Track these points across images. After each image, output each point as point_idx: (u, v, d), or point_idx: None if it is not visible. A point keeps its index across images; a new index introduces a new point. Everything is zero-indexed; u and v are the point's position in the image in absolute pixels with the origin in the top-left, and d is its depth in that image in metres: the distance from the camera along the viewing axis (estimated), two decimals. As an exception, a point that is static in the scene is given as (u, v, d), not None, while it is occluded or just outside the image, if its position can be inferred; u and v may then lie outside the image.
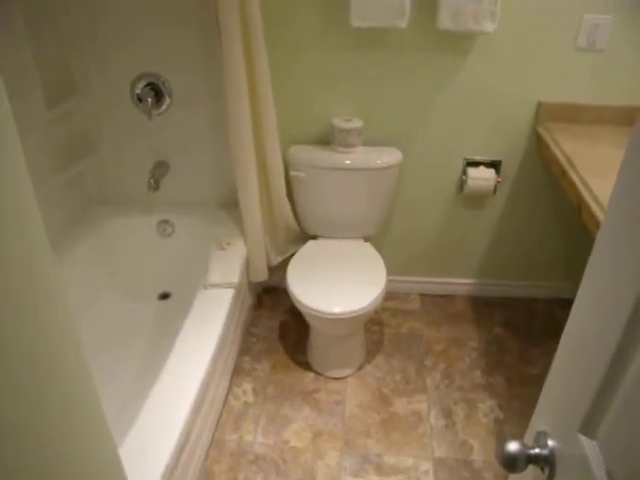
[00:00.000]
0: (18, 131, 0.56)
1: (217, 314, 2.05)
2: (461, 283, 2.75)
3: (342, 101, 2.32)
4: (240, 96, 2.05)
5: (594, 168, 1.86)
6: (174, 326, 2.07)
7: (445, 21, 2.02)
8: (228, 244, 2.34)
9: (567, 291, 2.71)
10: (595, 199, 1.68)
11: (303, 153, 2.33)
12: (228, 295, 2.12)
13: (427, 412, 2.19)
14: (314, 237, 2.49)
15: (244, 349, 2.48)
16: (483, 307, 2.71)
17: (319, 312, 2.04)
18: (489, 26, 2.03)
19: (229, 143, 2.17)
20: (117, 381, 2.21)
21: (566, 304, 2.74)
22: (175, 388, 1.77)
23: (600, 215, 1.62)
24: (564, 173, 1.95)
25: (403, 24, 2.03)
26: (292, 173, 2.33)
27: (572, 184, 1.85)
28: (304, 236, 2.54)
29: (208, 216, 2.57)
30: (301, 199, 2.41)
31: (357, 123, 2.26)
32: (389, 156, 2.30)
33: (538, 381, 2.27)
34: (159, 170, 2.49)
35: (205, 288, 2.14)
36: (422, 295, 2.78)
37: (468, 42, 2.15)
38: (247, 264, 2.40)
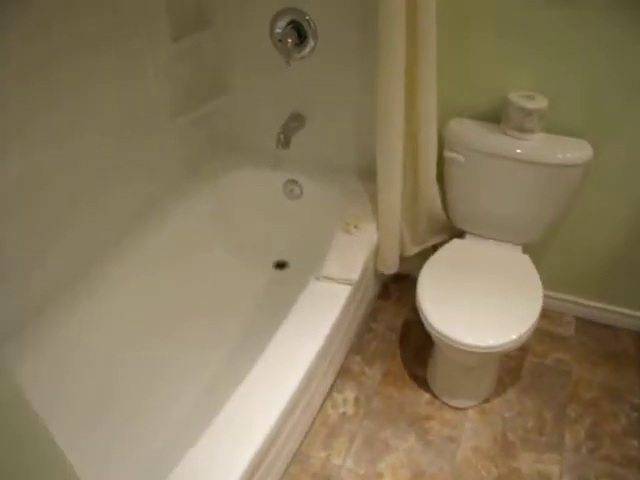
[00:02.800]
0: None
1: (326, 314, 1.72)
2: (633, 316, 2.19)
3: (522, 71, 1.79)
4: (395, 53, 1.62)
5: None
6: (285, 304, 1.79)
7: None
8: (356, 227, 1.97)
9: None
10: None
11: (464, 131, 1.86)
12: (344, 293, 1.78)
13: (558, 479, 1.77)
14: (461, 233, 2.06)
15: (357, 346, 2.15)
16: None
17: (449, 339, 1.64)
18: None
19: (375, 104, 1.76)
20: (211, 352, 2.01)
21: None
22: (264, 393, 1.50)
23: None
24: None
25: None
26: (447, 154, 1.88)
27: None
28: (450, 228, 2.11)
29: (342, 184, 2.20)
30: (454, 186, 1.96)
31: (541, 102, 1.74)
32: (575, 151, 1.77)
33: None
34: (293, 124, 2.14)
35: (317, 279, 1.81)
36: (579, 319, 2.26)
37: None
38: (376, 251, 2.03)
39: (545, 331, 2.20)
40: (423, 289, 1.78)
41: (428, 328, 1.70)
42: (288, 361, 1.59)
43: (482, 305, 1.73)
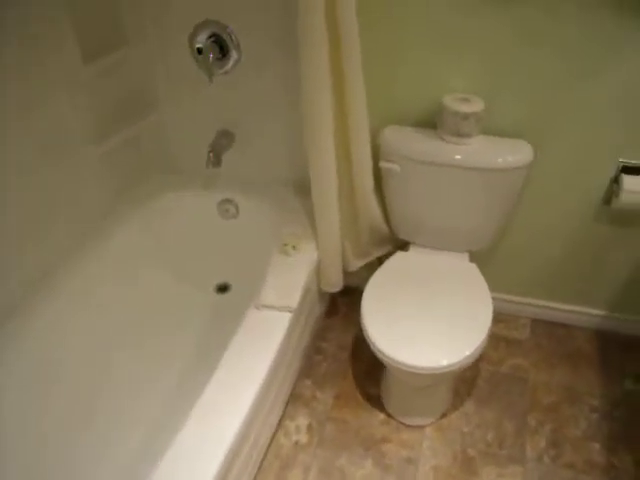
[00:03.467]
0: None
1: (268, 344, 1.61)
2: (587, 313, 2.14)
3: (456, 73, 1.72)
4: (318, 65, 1.52)
5: None
6: (228, 330, 1.69)
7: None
8: (294, 248, 1.86)
9: None
10: None
11: (399, 139, 1.76)
12: (284, 321, 1.67)
13: (523, 493, 1.71)
14: (405, 244, 1.97)
15: (306, 369, 2.05)
16: (613, 348, 2.11)
17: (399, 363, 1.56)
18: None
19: (301, 118, 1.66)
20: (151, 389, 1.88)
21: None
22: (207, 435, 1.38)
23: None
24: None
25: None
26: (382, 164, 1.79)
27: None
28: (394, 239, 2.02)
29: (279, 201, 2.09)
30: (393, 197, 1.87)
31: (477, 105, 1.66)
32: (516, 152, 1.70)
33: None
34: (222, 141, 2.02)
35: (257, 308, 1.70)
36: (534, 321, 2.21)
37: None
38: (318, 270, 1.93)
39: (500, 336, 2.14)
40: (367, 311, 1.69)
41: (376, 353, 1.61)
42: (230, 399, 1.47)
43: (431, 322, 1.65)
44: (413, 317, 1.66)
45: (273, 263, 1.82)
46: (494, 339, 2.11)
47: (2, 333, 1.62)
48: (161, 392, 1.89)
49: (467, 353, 1.56)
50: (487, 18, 1.58)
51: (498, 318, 2.18)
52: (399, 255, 1.90)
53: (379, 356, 1.61)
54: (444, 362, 1.55)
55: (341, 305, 2.27)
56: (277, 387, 1.75)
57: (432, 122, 1.77)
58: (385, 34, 1.69)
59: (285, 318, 1.68)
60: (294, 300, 1.70)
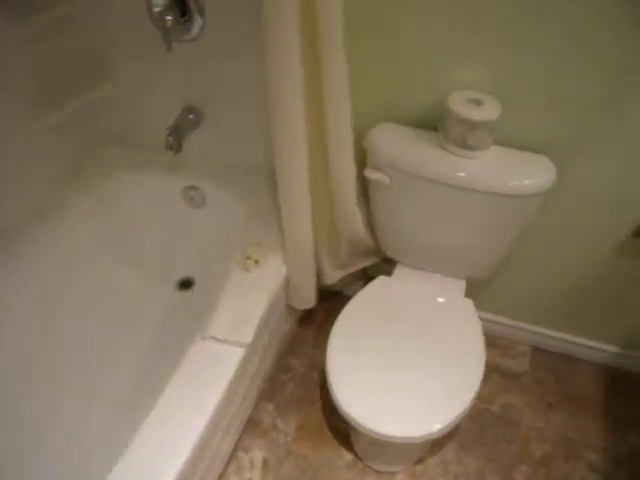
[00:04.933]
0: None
1: (214, 382, 1.35)
2: (597, 348, 1.85)
3: (469, 62, 1.34)
4: (288, 44, 1.17)
5: None
6: (190, 328, 1.46)
7: None
8: (257, 262, 1.56)
9: None
10: None
11: (390, 143, 1.42)
12: (235, 356, 1.40)
13: None
14: (391, 263, 1.67)
15: (269, 390, 1.80)
16: (621, 390, 1.83)
17: (363, 428, 1.30)
18: None
19: (268, 109, 1.31)
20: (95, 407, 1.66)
21: None
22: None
23: None
24: None
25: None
26: (368, 173, 1.46)
27: None
28: (380, 251, 1.72)
29: (251, 192, 1.78)
30: (380, 210, 1.55)
31: (491, 111, 1.30)
32: (534, 174, 1.36)
33: None
34: (186, 121, 1.69)
35: (203, 339, 1.43)
36: (536, 349, 1.92)
37: None
38: (286, 284, 1.65)
39: (495, 366, 1.86)
40: (333, 359, 1.39)
41: (339, 411, 1.35)
42: (171, 438, 1.24)
43: (409, 377, 1.37)
44: (387, 368, 1.38)
45: (230, 281, 1.53)
46: (488, 369, 1.79)
47: None
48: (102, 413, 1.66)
49: (442, 425, 1.29)
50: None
51: (495, 343, 1.90)
52: (380, 281, 1.59)
53: (346, 418, 1.34)
54: (421, 430, 1.29)
55: (318, 312, 1.97)
56: (230, 417, 1.50)
57: (435, 123, 1.43)
58: (381, 9, 1.32)
59: (237, 353, 1.41)
60: (247, 334, 1.42)
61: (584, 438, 1.71)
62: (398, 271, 1.65)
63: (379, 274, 1.63)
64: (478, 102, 1.33)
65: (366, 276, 1.84)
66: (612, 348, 1.84)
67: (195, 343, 1.42)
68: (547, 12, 1.19)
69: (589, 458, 1.67)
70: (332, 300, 1.94)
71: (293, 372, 1.85)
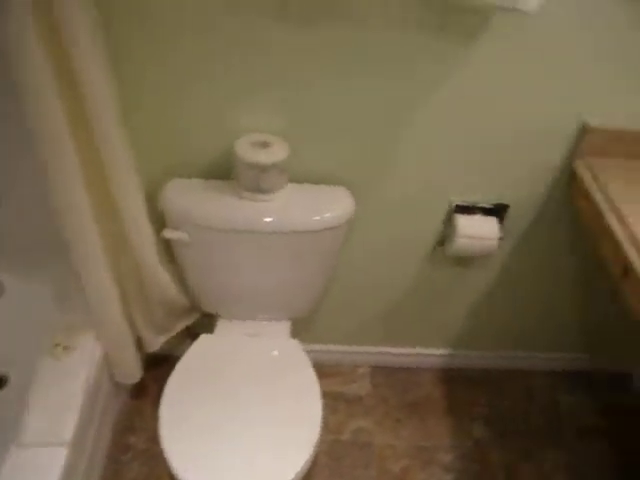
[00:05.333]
0: None
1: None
2: (430, 354, 1.93)
3: (250, 109, 1.31)
4: (51, 120, 1.06)
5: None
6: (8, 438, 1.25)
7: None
8: (65, 349, 1.40)
9: (576, 363, 1.99)
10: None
11: (184, 200, 1.34)
12: (58, 458, 1.23)
13: None
14: (213, 317, 1.59)
15: (113, 475, 1.62)
16: (459, 386, 1.93)
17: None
18: (532, 1, 1.07)
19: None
20: None
21: (573, 382, 1.99)
22: None
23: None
24: (606, 228, 1.24)
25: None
26: (165, 234, 1.37)
27: (616, 243, 1.19)
28: (199, 308, 1.63)
29: (58, 267, 1.58)
30: (188, 268, 1.46)
31: (279, 152, 1.28)
32: (334, 205, 1.37)
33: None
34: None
35: (18, 446, 1.24)
36: (375, 369, 1.94)
37: (481, 25, 1.19)
38: (105, 362, 1.50)
39: (338, 394, 1.85)
40: (166, 432, 1.26)
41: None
42: None
43: (245, 441, 1.27)
44: (223, 438, 1.28)
45: (40, 374, 1.36)
46: (332, 399, 1.82)
47: None
48: None
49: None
50: (288, 39, 1.20)
51: (334, 371, 1.90)
52: (203, 340, 1.49)
53: None
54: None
55: (149, 380, 1.81)
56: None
57: (229, 172, 1.38)
58: (158, 60, 1.24)
59: (59, 455, 1.25)
60: (66, 431, 1.27)
61: (434, 442, 1.76)
62: (220, 325, 1.57)
63: (203, 330, 1.55)
64: (265, 144, 1.30)
65: (191, 333, 1.74)
66: (442, 351, 1.92)
67: (10, 452, 1.23)
68: (321, 52, 1.21)
69: (442, 460, 1.72)
70: (162, 365, 1.79)
71: (134, 450, 1.69)
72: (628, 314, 1.74)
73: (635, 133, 1.36)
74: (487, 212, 1.52)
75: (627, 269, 1.15)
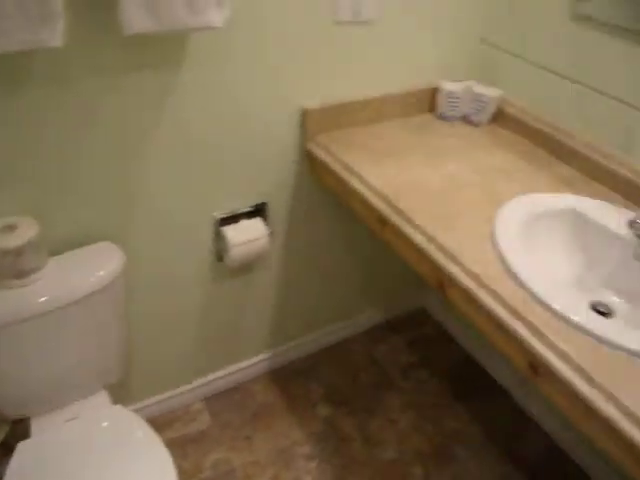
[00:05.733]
0: None
1: None
2: (254, 363, 1.97)
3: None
4: None
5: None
6: None
7: (136, 19, 1.07)
8: None
9: (378, 316, 2.21)
10: (400, 213, 1.27)
11: None
12: None
13: None
14: (23, 421, 1.42)
15: None
16: (290, 381, 2.00)
17: None
18: (215, 17, 1.14)
19: None
20: None
21: (382, 333, 2.22)
22: None
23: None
24: (352, 192, 1.40)
25: (57, 41, 1.02)
26: None
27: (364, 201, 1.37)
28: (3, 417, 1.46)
29: None
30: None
31: (27, 231, 1.19)
32: (103, 262, 1.32)
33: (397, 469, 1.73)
34: None
35: None
36: (208, 400, 1.91)
37: (179, 48, 1.24)
38: None
39: (183, 438, 1.79)
40: None
41: None
42: None
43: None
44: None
45: None
46: (178, 446, 1.76)
47: None
48: None
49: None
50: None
51: (170, 418, 1.83)
52: (21, 450, 1.32)
53: None
54: None
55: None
56: None
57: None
58: None
59: None
60: None
61: (289, 441, 1.80)
62: (35, 425, 1.41)
63: (19, 438, 1.39)
64: (12, 227, 1.21)
65: (7, 448, 1.55)
66: (263, 355, 1.97)
67: None
68: (29, 119, 1.15)
69: (302, 452, 1.77)
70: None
71: None
72: (397, 258, 1.98)
73: (337, 107, 1.54)
74: (250, 215, 1.60)
75: (382, 220, 1.30)
